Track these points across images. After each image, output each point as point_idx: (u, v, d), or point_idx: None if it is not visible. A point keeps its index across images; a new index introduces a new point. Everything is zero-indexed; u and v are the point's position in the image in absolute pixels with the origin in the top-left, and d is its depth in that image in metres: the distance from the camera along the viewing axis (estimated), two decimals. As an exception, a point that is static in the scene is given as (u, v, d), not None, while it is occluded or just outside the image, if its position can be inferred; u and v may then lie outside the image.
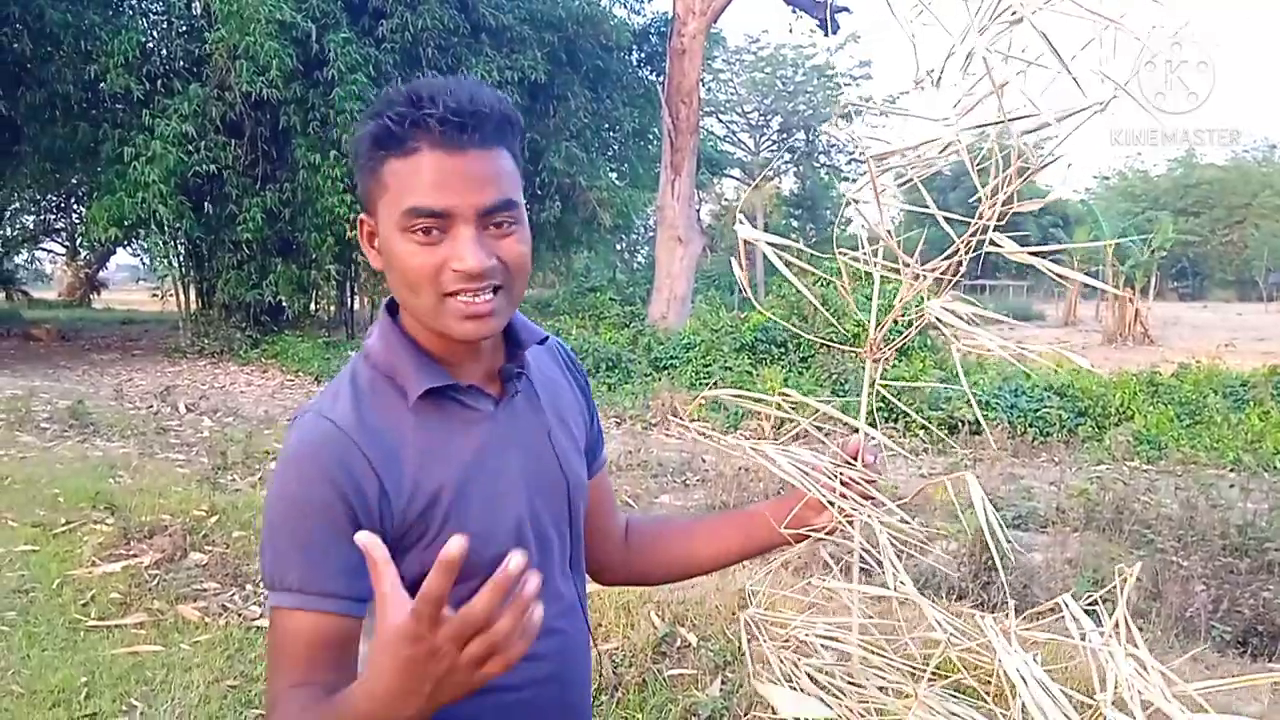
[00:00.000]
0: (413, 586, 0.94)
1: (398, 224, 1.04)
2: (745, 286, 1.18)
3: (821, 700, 1.10)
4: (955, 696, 1.06)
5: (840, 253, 1.19)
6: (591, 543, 1.34)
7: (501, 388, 1.18)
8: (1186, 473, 6.86)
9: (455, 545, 0.80)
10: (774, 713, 1.12)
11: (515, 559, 0.80)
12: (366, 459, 1.04)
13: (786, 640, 1.18)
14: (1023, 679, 0.86)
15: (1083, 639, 0.89)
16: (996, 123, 1.10)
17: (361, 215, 1.13)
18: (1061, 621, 0.95)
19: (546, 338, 1.27)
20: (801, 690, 1.12)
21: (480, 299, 1.05)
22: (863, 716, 1.11)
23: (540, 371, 1.25)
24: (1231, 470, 7.75)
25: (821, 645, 1.16)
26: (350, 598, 1.03)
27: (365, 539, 0.86)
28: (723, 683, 3.65)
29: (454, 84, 1.05)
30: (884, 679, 1.13)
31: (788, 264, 1.21)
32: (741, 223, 1.18)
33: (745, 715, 3.40)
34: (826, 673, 1.15)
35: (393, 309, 1.16)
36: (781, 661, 1.17)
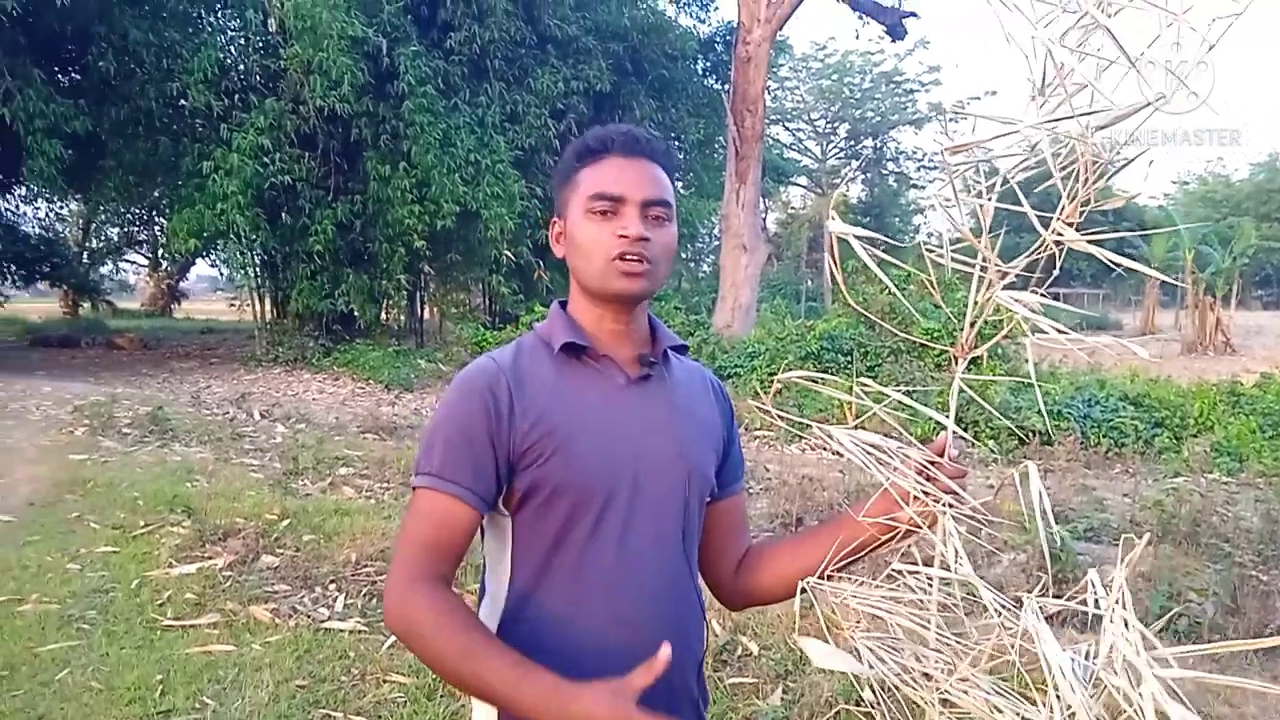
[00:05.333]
0: (524, 497, 1.31)
1: (584, 208, 1.34)
2: (839, 275, 1.22)
3: (856, 657, 1.12)
4: (998, 683, 1.06)
5: (927, 249, 1.21)
6: (711, 559, 1.51)
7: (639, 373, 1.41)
8: (1268, 485, 6.64)
9: (663, 654, 1.12)
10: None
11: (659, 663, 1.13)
12: (508, 386, 1.32)
13: (843, 608, 1.20)
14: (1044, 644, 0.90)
15: (1096, 606, 0.94)
16: (1069, 117, 1.10)
17: (554, 219, 1.43)
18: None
19: (686, 346, 1.50)
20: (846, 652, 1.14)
21: (637, 266, 1.32)
22: (900, 684, 1.11)
23: (680, 379, 1.47)
24: (1316, 483, 7.47)
25: (874, 618, 1.17)
26: (474, 491, 1.28)
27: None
28: (784, 692, 3.63)
29: (632, 126, 1.42)
30: (933, 656, 1.13)
31: (877, 261, 1.21)
32: (833, 218, 1.24)
33: (807, 725, 3.37)
34: (878, 646, 1.16)
35: (563, 305, 1.44)
36: (832, 629, 1.19)
